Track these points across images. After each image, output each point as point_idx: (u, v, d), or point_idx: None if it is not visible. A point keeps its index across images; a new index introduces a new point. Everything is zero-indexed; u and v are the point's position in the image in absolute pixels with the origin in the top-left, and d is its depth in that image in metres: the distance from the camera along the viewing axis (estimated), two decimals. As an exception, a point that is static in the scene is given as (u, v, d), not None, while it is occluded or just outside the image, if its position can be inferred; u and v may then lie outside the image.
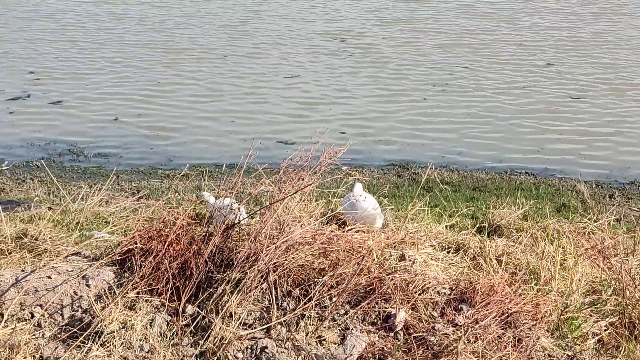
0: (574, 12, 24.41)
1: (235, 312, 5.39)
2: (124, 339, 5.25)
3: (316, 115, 15.43)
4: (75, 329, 5.31)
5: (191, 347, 5.30)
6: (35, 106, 15.78)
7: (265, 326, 5.38)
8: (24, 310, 5.41)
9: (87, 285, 5.59)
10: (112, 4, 25.28)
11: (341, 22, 22.79)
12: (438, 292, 5.95)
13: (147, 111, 15.59)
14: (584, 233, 8.68)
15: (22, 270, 5.78)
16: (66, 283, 5.57)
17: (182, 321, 5.40)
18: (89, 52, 19.71)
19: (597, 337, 6.03)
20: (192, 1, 25.75)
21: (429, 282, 5.98)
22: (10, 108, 15.63)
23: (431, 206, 9.79)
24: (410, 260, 6.32)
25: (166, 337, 5.34)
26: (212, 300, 5.47)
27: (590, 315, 6.13)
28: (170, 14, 23.98)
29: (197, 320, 5.41)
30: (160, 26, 22.51)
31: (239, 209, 8.91)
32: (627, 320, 6.19)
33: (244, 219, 9.08)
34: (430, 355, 5.37)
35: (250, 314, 5.47)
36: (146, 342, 5.29)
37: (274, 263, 5.63)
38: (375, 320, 5.65)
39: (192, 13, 24.08)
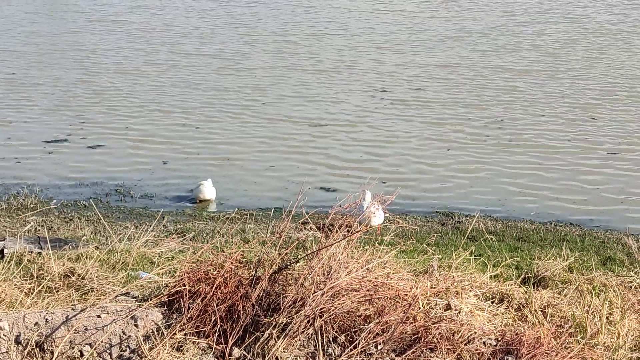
0: (618, 66, 24.29)
1: (281, 357, 5.42)
2: (171, 380, 5.31)
3: (356, 164, 15.48)
4: (123, 369, 5.38)
5: (237, 390, 5.33)
6: (80, 147, 16.06)
7: (311, 372, 5.41)
8: (73, 348, 5.50)
9: (136, 326, 5.67)
10: (162, 50, 25.76)
11: (382, 72, 22.90)
12: (484, 343, 5.92)
13: (192, 154, 15.79)
14: (631, 287, 8.60)
15: (72, 309, 5.87)
16: (115, 323, 5.65)
17: (228, 364, 5.44)
18: (135, 94, 20.05)
19: (644, 394, 5.96)
20: (243, 52, 26.14)
21: (475, 333, 5.96)
22: (56, 149, 15.92)
23: (475, 255, 9.75)
24: (456, 310, 6.32)
25: (212, 380, 5.39)
26: (258, 344, 5.51)
27: (638, 371, 6.07)
28: (215, 61, 24.34)
29: (243, 363, 5.45)
30: (206, 71, 22.85)
31: None
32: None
33: None
34: (475, 406, 5.35)
35: (296, 359, 5.49)
36: (192, 383, 5.34)
37: (321, 309, 5.66)
38: (421, 369, 5.64)
39: (236, 60, 24.40)
